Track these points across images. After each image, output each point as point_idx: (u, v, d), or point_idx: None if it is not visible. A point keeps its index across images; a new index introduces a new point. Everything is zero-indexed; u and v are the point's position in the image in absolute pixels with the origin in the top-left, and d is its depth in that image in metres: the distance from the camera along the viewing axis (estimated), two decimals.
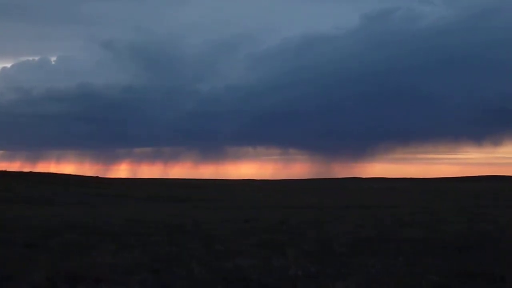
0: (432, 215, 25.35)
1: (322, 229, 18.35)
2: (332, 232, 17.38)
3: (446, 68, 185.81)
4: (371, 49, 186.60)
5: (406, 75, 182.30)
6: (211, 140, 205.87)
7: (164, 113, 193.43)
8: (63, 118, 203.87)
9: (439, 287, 9.46)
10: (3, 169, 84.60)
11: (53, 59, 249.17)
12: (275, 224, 20.41)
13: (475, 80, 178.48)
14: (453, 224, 20.26)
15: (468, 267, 11.02)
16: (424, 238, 15.72)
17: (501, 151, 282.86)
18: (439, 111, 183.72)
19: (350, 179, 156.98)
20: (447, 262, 11.64)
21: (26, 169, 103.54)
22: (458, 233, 17.02)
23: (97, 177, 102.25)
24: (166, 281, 9.72)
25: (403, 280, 9.85)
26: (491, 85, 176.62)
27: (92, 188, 62.60)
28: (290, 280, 9.86)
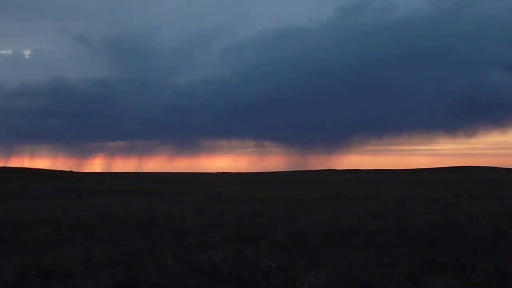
0: (404, 206, 25.53)
1: (295, 221, 18.41)
2: (305, 224, 17.45)
3: (419, 59, 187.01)
4: (345, 41, 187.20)
5: (380, 67, 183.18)
6: (185, 133, 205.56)
7: (138, 106, 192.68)
8: (37, 113, 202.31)
9: (410, 277, 9.52)
10: None
11: (26, 53, 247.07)
12: (249, 216, 20.43)
13: (449, 71, 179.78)
14: (425, 215, 20.42)
15: (439, 257, 11.12)
16: (396, 229, 15.82)
17: (474, 141, 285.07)
18: (413, 103, 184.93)
19: (324, 171, 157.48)
20: (418, 253, 11.72)
21: None
22: (430, 224, 17.16)
23: (70, 171, 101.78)
24: (138, 275, 9.69)
25: (374, 271, 9.91)
26: (464, 76, 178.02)
27: (65, 183, 62.26)
28: (262, 272, 9.88)
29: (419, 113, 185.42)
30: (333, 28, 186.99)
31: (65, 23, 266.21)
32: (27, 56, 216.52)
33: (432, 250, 12.15)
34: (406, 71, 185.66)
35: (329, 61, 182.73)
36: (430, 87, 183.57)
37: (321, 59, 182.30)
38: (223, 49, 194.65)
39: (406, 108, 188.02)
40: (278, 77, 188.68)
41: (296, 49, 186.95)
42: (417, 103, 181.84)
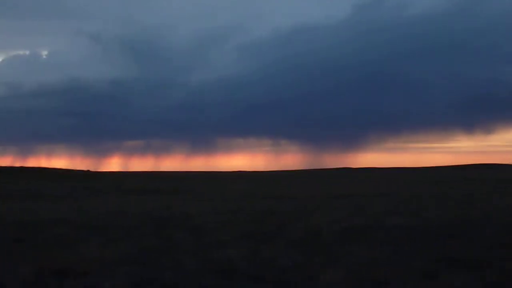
0: (421, 203, 25.42)
1: (311, 219, 18.36)
2: (321, 221, 17.40)
3: (436, 55, 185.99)
4: (362, 37, 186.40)
5: (396, 63, 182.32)
6: (201, 132, 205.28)
7: (154, 105, 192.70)
8: (53, 113, 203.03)
9: (427, 273, 9.47)
10: None
11: (43, 53, 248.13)
12: (264, 214, 20.41)
13: (466, 67, 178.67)
14: (442, 212, 20.32)
15: (456, 254, 11.07)
16: (412, 226, 15.76)
17: (492, 139, 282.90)
18: (430, 99, 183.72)
19: (341, 169, 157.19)
20: (435, 249, 11.68)
21: (17, 164, 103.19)
22: (447, 221, 17.08)
23: (87, 171, 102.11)
24: (154, 273, 9.70)
25: (391, 267, 9.86)
26: (482, 72, 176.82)
27: (82, 182, 62.48)
28: (278, 270, 9.86)
29: (436, 109, 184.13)
30: (350, 24, 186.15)
31: (80, 24, 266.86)
32: (44, 57, 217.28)
33: (449, 246, 12.10)
34: (423, 67, 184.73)
35: (346, 57, 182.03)
36: (447, 84, 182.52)
37: (338, 56, 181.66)
38: (238, 47, 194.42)
39: (423, 105, 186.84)
40: (294, 75, 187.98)
41: (312, 46, 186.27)
42: (434, 99, 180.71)
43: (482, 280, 9.04)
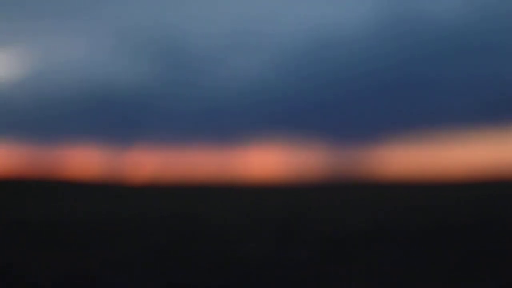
0: (447, 200, 25.22)
1: (329, 217, 18.23)
2: (340, 220, 17.26)
3: (465, 54, 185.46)
4: (392, 39, 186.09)
5: (425, 63, 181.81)
6: (222, 132, 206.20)
7: (178, 108, 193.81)
8: (76, 113, 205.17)
9: (453, 273, 9.32)
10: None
11: (68, 54, 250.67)
12: (286, 209, 20.30)
13: (498, 67, 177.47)
14: (468, 208, 20.12)
15: (483, 252, 10.91)
16: (438, 223, 15.60)
17: None
18: (458, 98, 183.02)
19: (365, 165, 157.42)
20: (462, 247, 11.54)
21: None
22: (474, 216, 16.90)
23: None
24: (172, 269, 9.61)
25: (416, 265, 9.75)
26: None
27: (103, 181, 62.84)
28: (300, 265, 9.74)
29: (466, 108, 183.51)
30: (375, 26, 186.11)
31: (104, 25, 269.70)
32: (69, 57, 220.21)
33: (472, 247, 11.92)
34: (454, 68, 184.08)
35: (373, 58, 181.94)
36: (477, 83, 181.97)
37: (367, 59, 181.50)
38: (263, 51, 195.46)
39: (452, 104, 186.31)
40: (319, 79, 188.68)
41: (339, 50, 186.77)
42: (461, 98, 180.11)
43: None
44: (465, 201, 24.51)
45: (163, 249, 11.87)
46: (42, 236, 14.17)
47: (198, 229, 15.28)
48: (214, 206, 24.83)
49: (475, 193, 31.65)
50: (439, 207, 21.58)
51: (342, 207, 22.95)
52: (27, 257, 11.03)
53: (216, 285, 8.71)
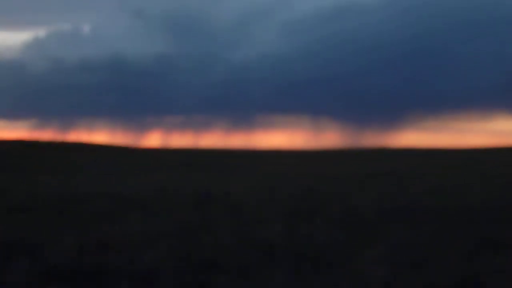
0: (462, 184, 25.16)
1: (350, 198, 18.30)
2: (360, 200, 17.33)
3: (479, 30, 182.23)
4: (403, 14, 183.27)
5: (439, 38, 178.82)
6: (242, 108, 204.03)
7: (195, 81, 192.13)
8: (95, 87, 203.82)
9: (466, 255, 9.40)
10: (35, 138, 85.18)
11: (86, 28, 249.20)
12: (303, 192, 20.38)
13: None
14: (484, 194, 20.09)
15: (497, 236, 10.95)
16: (452, 207, 15.61)
17: None
18: (473, 77, 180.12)
19: (379, 148, 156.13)
20: (475, 231, 11.57)
21: (58, 138, 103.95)
22: (489, 202, 16.89)
23: (128, 146, 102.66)
24: (193, 248, 9.76)
25: (430, 248, 9.81)
26: None
27: (122, 157, 62.98)
28: (317, 248, 9.87)
29: (479, 88, 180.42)
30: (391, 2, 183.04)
31: None
32: (86, 31, 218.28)
33: (490, 229, 11.97)
34: (466, 43, 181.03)
35: (387, 34, 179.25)
36: (491, 61, 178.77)
37: (379, 32, 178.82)
38: (281, 24, 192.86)
39: (465, 83, 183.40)
40: (335, 52, 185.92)
41: (354, 23, 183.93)
42: (477, 77, 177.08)
43: None
44: (481, 183, 24.52)
45: (186, 225, 12.03)
46: (60, 211, 14.41)
47: (217, 208, 15.43)
48: (234, 183, 24.99)
49: (490, 173, 31.59)
50: (457, 187, 21.61)
51: (360, 187, 23.03)
52: (47, 231, 11.28)
53: (236, 264, 8.84)
